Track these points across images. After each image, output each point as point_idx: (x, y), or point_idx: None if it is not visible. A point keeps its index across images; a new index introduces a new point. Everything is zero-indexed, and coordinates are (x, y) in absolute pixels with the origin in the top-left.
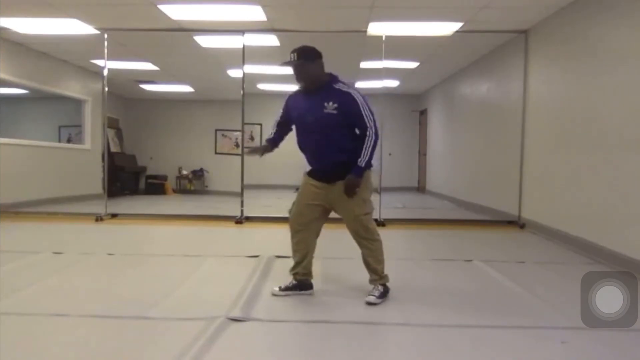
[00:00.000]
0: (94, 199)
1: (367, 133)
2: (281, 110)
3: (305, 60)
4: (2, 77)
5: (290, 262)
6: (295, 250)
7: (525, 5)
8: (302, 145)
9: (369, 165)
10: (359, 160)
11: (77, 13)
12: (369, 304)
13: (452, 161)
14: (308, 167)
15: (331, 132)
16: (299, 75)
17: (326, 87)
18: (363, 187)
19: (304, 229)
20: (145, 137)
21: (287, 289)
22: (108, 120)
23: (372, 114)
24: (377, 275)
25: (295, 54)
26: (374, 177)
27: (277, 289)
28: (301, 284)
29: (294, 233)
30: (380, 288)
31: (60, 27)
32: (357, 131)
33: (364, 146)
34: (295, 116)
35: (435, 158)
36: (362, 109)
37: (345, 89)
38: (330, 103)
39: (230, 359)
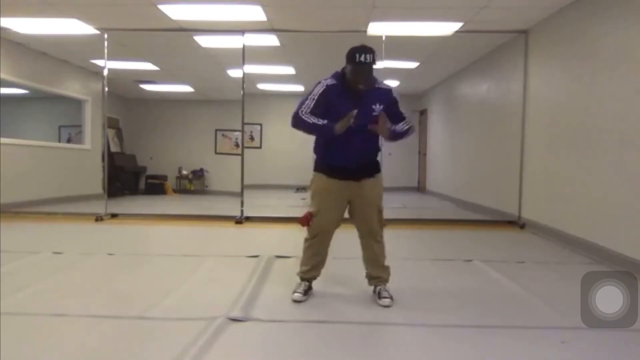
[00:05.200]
0: (94, 199)
1: (406, 119)
2: (313, 99)
3: (375, 63)
4: (2, 77)
5: (290, 262)
6: (308, 261)
7: (525, 5)
8: (337, 143)
9: (401, 133)
10: (395, 126)
11: (77, 13)
12: (387, 306)
13: (452, 161)
14: (322, 164)
15: (374, 133)
16: (367, 78)
17: (371, 88)
18: (382, 187)
19: (326, 237)
20: (145, 137)
21: (305, 292)
22: (108, 120)
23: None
24: (387, 273)
25: (372, 55)
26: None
27: (298, 295)
28: (310, 285)
29: (313, 245)
30: (388, 287)
31: (60, 27)
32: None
33: (404, 122)
34: (340, 114)
35: (436, 158)
36: (399, 108)
37: (385, 86)
38: (377, 105)
39: (230, 359)
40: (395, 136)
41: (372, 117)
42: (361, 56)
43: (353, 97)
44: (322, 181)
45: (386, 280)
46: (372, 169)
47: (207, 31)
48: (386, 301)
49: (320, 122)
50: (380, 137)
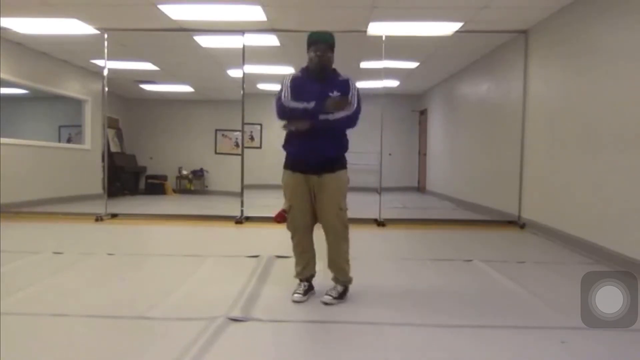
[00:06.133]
0: (94, 199)
1: (349, 109)
2: (287, 87)
3: (333, 46)
4: (2, 77)
5: (290, 262)
6: (299, 260)
7: (525, 5)
8: (298, 137)
9: (331, 122)
10: (330, 114)
11: (77, 13)
12: (325, 304)
13: (452, 161)
14: (288, 159)
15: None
16: (323, 59)
17: (331, 77)
18: (344, 185)
19: (306, 232)
20: (145, 137)
21: (305, 293)
22: (108, 120)
23: (359, 102)
24: (344, 274)
25: (329, 36)
26: (373, 177)
27: (298, 295)
28: (311, 284)
29: (298, 243)
30: (340, 288)
31: (60, 27)
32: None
33: (344, 111)
34: (306, 95)
35: (436, 158)
36: (351, 92)
37: (345, 77)
38: (335, 92)
39: (230, 359)
40: (323, 123)
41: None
42: (315, 34)
43: (313, 84)
44: (289, 177)
45: (340, 282)
46: (334, 164)
47: (207, 31)
48: (326, 298)
49: (305, 105)
50: (346, 134)
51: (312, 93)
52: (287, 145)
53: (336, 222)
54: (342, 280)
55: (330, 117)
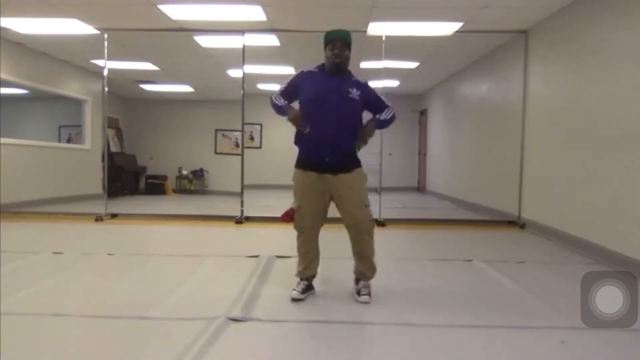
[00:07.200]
0: (94, 199)
1: (389, 106)
2: (286, 84)
3: (350, 44)
4: (2, 77)
5: (290, 262)
6: (302, 259)
7: (525, 5)
8: (314, 128)
9: (384, 123)
10: (379, 115)
11: (77, 13)
12: (367, 303)
13: (452, 161)
14: (299, 157)
15: (351, 118)
16: (340, 58)
17: (347, 76)
18: (364, 182)
19: (312, 232)
20: (145, 137)
21: (304, 291)
22: (108, 120)
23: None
24: (373, 270)
25: (346, 34)
26: (373, 177)
27: (296, 292)
28: (311, 284)
29: (303, 242)
30: (368, 284)
31: (60, 27)
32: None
33: (385, 111)
34: (315, 95)
35: (435, 158)
36: (379, 94)
37: (362, 80)
38: (354, 90)
39: (230, 359)
40: (382, 124)
41: (349, 97)
42: (331, 33)
43: (330, 79)
44: (300, 176)
45: (369, 278)
46: (349, 163)
47: (207, 31)
48: (364, 298)
49: (280, 102)
50: (357, 128)
51: (331, 87)
52: (298, 141)
53: (364, 219)
54: (370, 275)
55: (382, 118)
